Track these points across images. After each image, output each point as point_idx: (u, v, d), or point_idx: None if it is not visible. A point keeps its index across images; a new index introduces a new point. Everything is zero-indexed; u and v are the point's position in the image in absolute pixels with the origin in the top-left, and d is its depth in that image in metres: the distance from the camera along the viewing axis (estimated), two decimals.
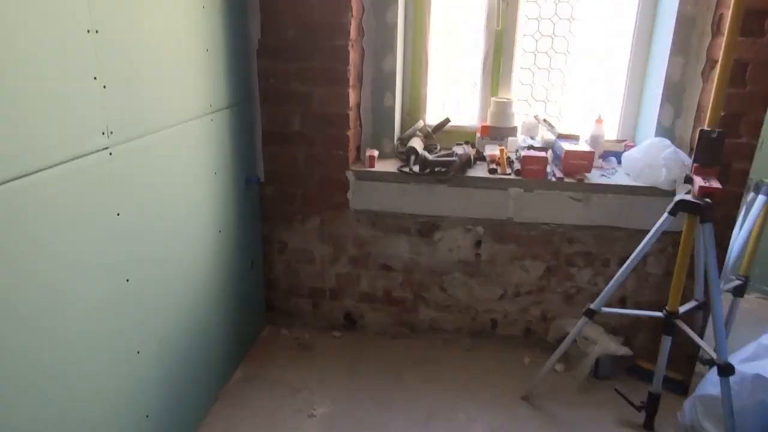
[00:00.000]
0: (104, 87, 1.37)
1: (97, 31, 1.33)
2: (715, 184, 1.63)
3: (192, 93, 1.85)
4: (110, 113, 1.40)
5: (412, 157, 2.41)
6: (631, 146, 2.44)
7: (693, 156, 1.73)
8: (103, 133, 1.38)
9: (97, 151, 1.36)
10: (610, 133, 2.58)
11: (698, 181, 1.65)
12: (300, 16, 2.23)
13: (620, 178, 2.34)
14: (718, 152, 1.66)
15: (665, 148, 2.21)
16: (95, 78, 1.34)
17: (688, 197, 1.73)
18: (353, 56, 2.31)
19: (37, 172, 1.17)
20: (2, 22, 1.07)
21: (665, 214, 1.79)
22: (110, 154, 1.41)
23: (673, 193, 2.12)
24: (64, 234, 1.27)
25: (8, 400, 1.14)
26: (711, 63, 2.18)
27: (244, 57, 2.25)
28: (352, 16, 2.24)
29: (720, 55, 1.71)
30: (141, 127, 1.55)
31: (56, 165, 1.23)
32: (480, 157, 2.51)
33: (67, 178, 1.27)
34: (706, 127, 1.68)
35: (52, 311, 1.25)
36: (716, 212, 2.14)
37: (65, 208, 1.27)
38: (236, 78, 2.18)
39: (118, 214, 1.46)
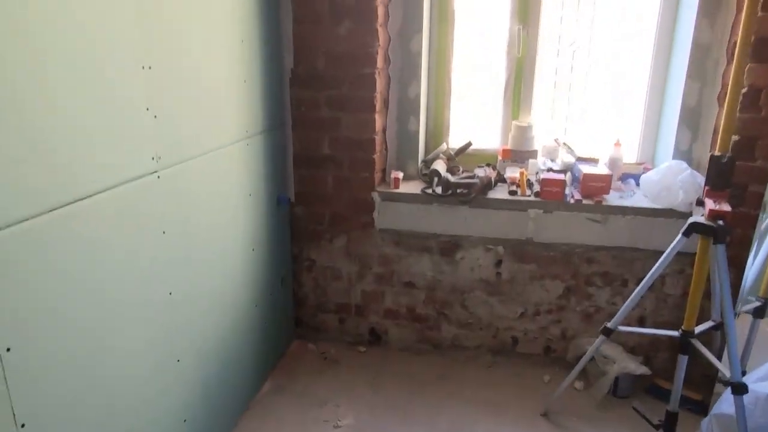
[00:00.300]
0: (155, 117, 1.52)
1: (150, 67, 1.48)
2: (726, 207, 1.69)
3: (230, 120, 2.00)
4: (159, 140, 1.55)
5: (435, 179, 2.52)
6: (650, 169, 2.51)
7: (705, 179, 1.80)
8: (152, 158, 1.53)
9: (148, 174, 1.51)
10: (630, 155, 2.65)
11: (709, 204, 1.72)
12: (330, 47, 2.38)
13: (638, 200, 2.40)
14: (728, 176, 1.72)
15: (682, 170, 2.27)
16: (147, 109, 1.49)
17: (701, 219, 1.79)
18: (379, 84, 2.44)
19: (97, 193, 1.32)
20: (72, 61, 1.22)
21: (679, 236, 1.85)
22: (158, 177, 1.55)
23: (690, 215, 2.18)
24: (117, 250, 1.41)
25: (57, 406, 1.26)
26: (726, 88, 2.24)
27: (277, 85, 2.40)
28: (379, 46, 2.38)
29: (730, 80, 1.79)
30: (185, 152, 1.70)
31: (113, 187, 1.37)
32: (501, 179, 2.60)
33: (121, 200, 1.41)
34: (716, 151, 1.74)
35: (102, 321, 1.38)
36: (732, 234, 2.19)
37: (118, 227, 1.41)
38: (270, 105, 2.34)
39: (163, 232, 1.60)
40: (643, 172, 2.50)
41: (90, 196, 1.30)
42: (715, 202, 1.72)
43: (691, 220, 1.84)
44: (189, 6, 1.68)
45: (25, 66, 1.10)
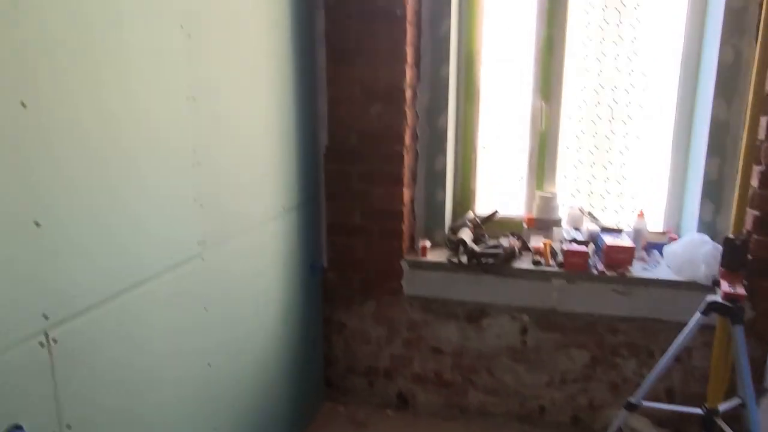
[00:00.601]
0: (201, 206, 1.70)
1: (199, 164, 1.67)
2: (740, 290, 1.73)
3: (268, 198, 2.18)
4: (204, 226, 1.72)
5: (461, 248, 2.62)
6: (675, 238, 2.55)
7: (720, 260, 1.85)
8: (198, 243, 1.70)
9: (193, 258, 1.68)
10: (656, 222, 2.70)
11: (724, 286, 1.76)
12: (362, 126, 2.56)
13: (662, 271, 2.43)
14: (743, 258, 1.77)
15: (704, 244, 2.31)
16: (195, 200, 1.67)
17: (719, 299, 1.83)
18: (407, 159, 2.60)
19: (148, 280, 1.48)
20: (134, 165, 1.41)
21: (697, 314, 1.89)
22: (202, 259, 1.72)
23: (712, 289, 2.20)
24: (161, 329, 1.56)
25: None
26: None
27: (313, 161, 2.58)
28: (407, 125, 2.55)
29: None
30: (226, 233, 1.87)
31: (162, 273, 1.54)
32: (525, 247, 2.68)
33: (169, 284, 1.57)
34: (731, 232, 1.80)
35: (146, 395, 1.52)
36: (757, 308, 2.20)
37: (164, 308, 1.57)
38: (306, 180, 2.51)
39: (205, 309, 1.75)
40: (668, 242, 2.54)
41: (143, 282, 1.46)
42: (729, 284, 1.76)
43: (709, 298, 1.88)
44: (237, 104, 1.88)
45: (99, 172, 1.30)
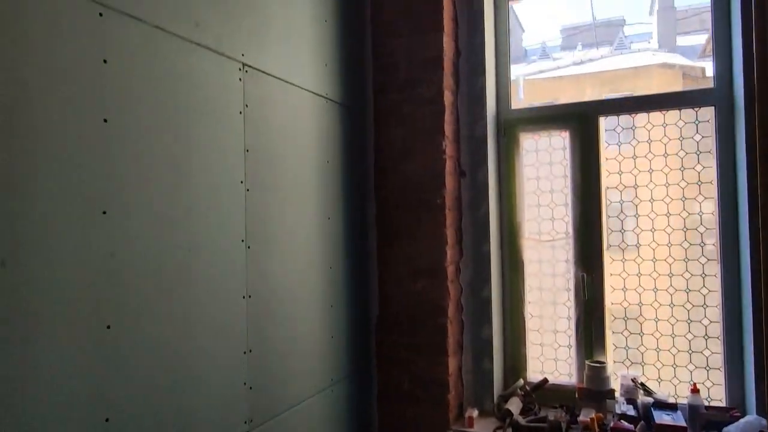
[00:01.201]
0: (250, 388, 1.96)
1: (251, 351, 1.97)
2: None
3: (317, 374, 2.40)
4: (252, 406, 1.97)
5: (507, 420, 2.65)
6: (738, 416, 2.42)
7: None
8: (245, 422, 1.93)
9: None
10: (718, 395, 2.59)
11: None
12: (408, 299, 2.80)
13: None
14: None
15: (762, 428, 2.19)
16: (244, 383, 1.94)
17: None
18: (452, 330, 2.77)
19: None
20: (189, 355, 1.72)
21: None
22: None
23: None
24: None
25: None
26: None
27: (363, 333, 2.82)
28: (450, 298, 2.76)
29: None
30: (274, 410, 2.10)
31: None
32: (573, 421, 2.65)
33: None
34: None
35: None
36: None
37: None
38: (357, 351, 2.74)
39: None
40: (731, 422, 2.42)
41: None
42: None
43: None
44: (292, 296, 2.21)
45: (160, 366, 1.61)
